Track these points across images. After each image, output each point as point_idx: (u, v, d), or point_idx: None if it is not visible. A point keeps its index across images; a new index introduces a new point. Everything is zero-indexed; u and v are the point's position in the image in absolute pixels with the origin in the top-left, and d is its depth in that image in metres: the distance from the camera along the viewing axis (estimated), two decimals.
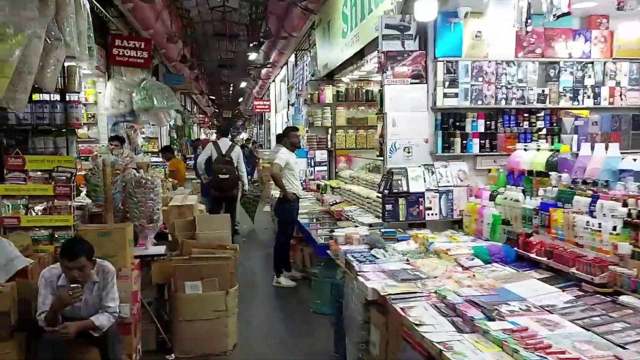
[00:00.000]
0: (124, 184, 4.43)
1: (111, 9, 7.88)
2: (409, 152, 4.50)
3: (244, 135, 36.72)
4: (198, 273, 4.40)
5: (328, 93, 8.61)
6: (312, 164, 9.41)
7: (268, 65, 13.48)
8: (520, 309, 2.64)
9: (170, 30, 9.96)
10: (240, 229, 10.44)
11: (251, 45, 12.03)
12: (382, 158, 4.71)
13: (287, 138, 6.59)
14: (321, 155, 9.33)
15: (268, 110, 19.40)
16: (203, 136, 30.52)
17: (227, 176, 8.13)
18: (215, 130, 9.58)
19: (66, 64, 4.40)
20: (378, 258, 3.73)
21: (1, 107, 3.90)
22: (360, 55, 6.79)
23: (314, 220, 6.99)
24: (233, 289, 4.55)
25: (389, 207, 4.39)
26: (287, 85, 14.47)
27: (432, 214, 4.42)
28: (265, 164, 16.01)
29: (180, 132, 17.42)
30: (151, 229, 4.41)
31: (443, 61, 4.41)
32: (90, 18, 4.71)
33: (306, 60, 10.47)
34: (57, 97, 4.51)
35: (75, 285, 3.26)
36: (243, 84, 22.85)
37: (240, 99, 31.67)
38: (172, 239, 4.94)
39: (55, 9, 3.91)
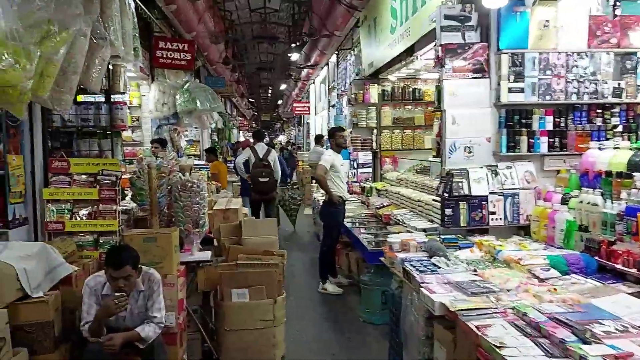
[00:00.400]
0: (169, 187, 4.27)
1: (154, 11, 7.83)
2: (470, 152, 4.18)
3: (282, 138, 36.75)
4: (245, 280, 4.19)
5: (373, 92, 8.31)
6: (355, 165, 9.13)
7: (309, 66, 13.27)
8: (616, 329, 2.31)
9: (213, 31, 9.89)
10: (282, 232, 10.26)
11: (293, 45, 11.85)
12: (439, 159, 4.39)
13: (333, 139, 6.34)
14: (364, 156, 9.04)
15: (307, 112, 19.24)
16: (242, 139, 30.72)
17: (267, 179, 8.33)
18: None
19: (111, 64, 4.27)
20: (440, 267, 3.43)
21: (46, 108, 3.80)
22: (409, 51, 6.48)
23: (360, 224, 6.72)
24: (281, 297, 4.32)
25: (448, 211, 4.07)
26: (328, 86, 14.25)
27: (497, 219, 4.08)
28: (305, 166, 15.89)
29: (221, 134, 17.45)
30: (197, 234, 4.23)
31: (508, 53, 4.08)
32: (135, 18, 4.59)
33: (349, 59, 10.22)
34: (102, 98, 4.39)
35: (120, 294, 3.09)
36: (282, 86, 22.78)
37: (279, 102, 31.70)
38: (217, 244, 4.75)
39: (100, 7, 3.78)
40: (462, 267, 3.40)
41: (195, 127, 10.08)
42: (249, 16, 13.61)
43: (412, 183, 6.78)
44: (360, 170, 9.14)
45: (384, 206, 6.87)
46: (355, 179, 8.96)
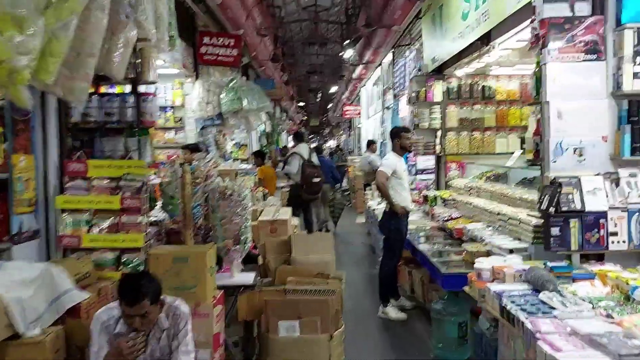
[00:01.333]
0: (205, 194, 3.58)
1: (200, 5, 7.26)
2: (581, 155, 3.28)
3: (331, 143, 36.10)
4: (295, 310, 3.43)
5: (437, 90, 7.43)
6: (414, 171, 8.25)
7: (362, 64, 12.46)
8: None
9: (261, 27, 9.28)
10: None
11: (345, 43, 11.09)
12: (538, 164, 3.51)
13: (398, 140, 5.51)
14: (425, 161, 8.15)
15: (358, 115, 18.44)
16: (292, 144, 30.27)
17: (319, 179, 8.55)
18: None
19: (139, 48, 3.63)
20: (554, 308, 2.55)
21: (64, 100, 3.18)
22: (484, 40, 5.59)
23: (426, 239, 5.86)
24: (339, 331, 3.53)
25: (555, 230, 3.18)
26: (383, 87, 13.41)
27: (619, 242, 3.16)
28: (357, 172, 15.09)
29: (270, 138, 16.91)
30: (238, 251, 3.52)
31: (633, 28, 3.16)
32: (173, 3, 3.95)
33: (408, 56, 9.36)
34: (128, 88, 3.77)
35: (136, 334, 2.39)
36: (333, 89, 22.09)
37: (329, 105, 31.04)
38: (262, 262, 4.02)
39: None
40: (587, 309, 2.51)
41: (243, 129, 9.46)
42: (298, 14, 13.02)
43: (485, 192, 5.86)
44: (420, 176, 8.24)
45: (452, 218, 5.98)
46: (413, 186, 8.07)
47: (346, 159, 18.91)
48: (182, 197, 3.52)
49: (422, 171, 8.25)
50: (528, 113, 7.72)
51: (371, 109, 17.21)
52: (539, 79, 3.44)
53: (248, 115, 7.57)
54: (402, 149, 5.54)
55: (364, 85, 17.69)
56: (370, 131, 17.07)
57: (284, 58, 14.30)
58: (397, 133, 5.59)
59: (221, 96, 7.10)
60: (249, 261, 3.99)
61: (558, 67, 3.30)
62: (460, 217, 5.99)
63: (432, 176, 8.17)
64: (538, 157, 3.51)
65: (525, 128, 7.45)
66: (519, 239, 4.46)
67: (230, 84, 7.08)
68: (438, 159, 7.71)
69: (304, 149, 8.77)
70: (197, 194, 3.54)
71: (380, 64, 13.42)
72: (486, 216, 5.30)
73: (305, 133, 9.37)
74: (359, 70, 14.84)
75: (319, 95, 30.55)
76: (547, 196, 3.23)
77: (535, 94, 3.51)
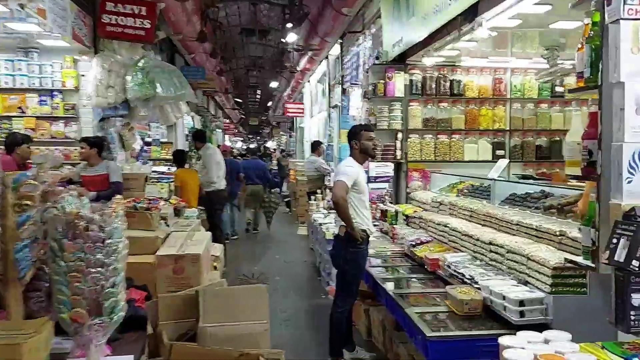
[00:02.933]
0: (42, 223, 2.05)
1: None
2: None
3: (271, 144, 34.57)
4: None
5: (398, 83, 6.15)
6: (366, 180, 6.93)
7: (308, 50, 11.06)
8: None
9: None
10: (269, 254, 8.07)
11: (288, 25, 9.67)
12: (594, 184, 2.24)
13: (356, 141, 4.15)
14: (379, 167, 6.87)
15: (301, 114, 17.04)
16: (229, 143, 28.42)
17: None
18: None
19: None
20: None
21: None
22: (469, 16, 4.35)
23: (387, 268, 4.55)
24: None
25: (637, 298, 1.90)
26: (330, 82, 12.10)
27: None
28: (299, 177, 13.69)
29: None
30: (100, 327, 2.00)
31: None
32: None
33: (362, 43, 8.04)
34: None
35: None
36: (273, 84, 20.58)
37: (269, 103, 29.45)
38: (152, 332, 2.51)
39: None
40: None
41: (158, 123, 7.86)
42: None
43: (463, 210, 4.63)
44: (372, 185, 6.93)
45: (422, 243, 4.71)
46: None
47: (287, 162, 17.51)
48: (1, 229, 1.99)
49: (375, 179, 6.95)
50: (501, 114, 6.64)
51: (315, 108, 15.89)
52: (597, 49, 2.17)
53: (163, 104, 6.00)
54: (362, 154, 4.19)
55: (308, 81, 16.34)
56: (314, 132, 15.73)
57: (217, 45, 12.67)
58: (355, 133, 4.21)
59: (127, 78, 5.50)
60: (130, 328, 2.47)
61: (633, 27, 2.04)
62: (430, 241, 4.73)
63: (386, 185, 6.92)
64: (592, 172, 2.23)
65: (498, 132, 6.36)
66: (526, 283, 3.22)
67: (140, 64, 5.51)
68: (398, 166, 6.43)
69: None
70: (25, 225, 2.01)
71: (327, 57, 12.10)
72: (470, 244, 4.04)
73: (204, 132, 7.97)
74: (303, 62, 13.45)
75: (259, 92, 28.96)
76: (623, 240, 1.94)
77: (588, 74, 2.24)
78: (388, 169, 6.69)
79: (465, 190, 5.27)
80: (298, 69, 13.97)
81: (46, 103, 5.76)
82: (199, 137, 7.96)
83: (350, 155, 4.24)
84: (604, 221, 2.18)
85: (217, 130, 18.96)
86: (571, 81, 5.43)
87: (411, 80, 6.17)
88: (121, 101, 5.52)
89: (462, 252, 4.12)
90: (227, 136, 30.07)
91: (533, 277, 3.14)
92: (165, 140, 9.81)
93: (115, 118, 5.76)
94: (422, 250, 4.52)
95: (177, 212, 5.07)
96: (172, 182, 5.68)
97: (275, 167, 19.13)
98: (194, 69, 12.27)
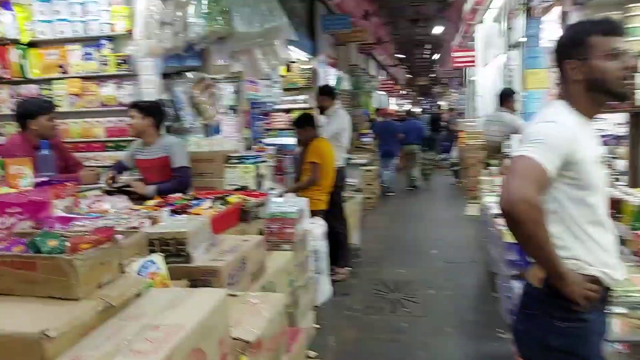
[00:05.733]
0: None
1: None
2: None
3: (443, 104, 31.42)
4: None
5: None
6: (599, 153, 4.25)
7: None
8: None
9: None
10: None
11: None
12: None
13: (579, 59, 1.68)
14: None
15: (472, 63, 14.05)
16: (395, 107, 26.17)
17: None
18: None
19: None
20: None
21: None
22: None
23: None
24: None
25: None
26: (506, 15, 9.19)
27: None
28: (470, 140, 11.02)
29: (354, 99, 13.27)
30: None
31: None
32: None
33: None
34: None
35: None
36: (438, 29, 17.75)
37: (435, 56, 26.33)
38: None
39: None
40: None
41: (268, 80, 6.03)
42: None
43: None
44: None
45: None
46: None
47: (456, 124, 14.81)
48: None
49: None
50: None
51: (489, 53, 12.83)
52: None
53: (252, 48, 4.10)
54: (592, 93, 1.73)
55: (480, 21, 13.29)
56: (487, 86, 12.73)
57: None
58: (574, 42, 1.69)
59: (188, 9, 3.69)
60: None
61: None
62: None
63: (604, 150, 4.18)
64: None
65: None
66: None
67: None
68: (636, 119, 3.68)
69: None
70: None
71: None
72: None
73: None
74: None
75: (426, 48, 26.00)
76: None
77: None
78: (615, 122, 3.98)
79: None
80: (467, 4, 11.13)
81: (91, 57, 4.27)
82: (327, 92, 5.94)
83: (560, 99, 1.81)
84: None
85: (374, 92, 16.86)
86: None
87: None
88: (184, 45, 3.77)
89: None
90: (391, 99, 27.86)
91: None
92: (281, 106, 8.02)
93: (179, 72, 4.06)
94: None
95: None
96: (260, 162, 3.78)
97: (445, 129, 16.69)
98: (337, 18, 10.33)
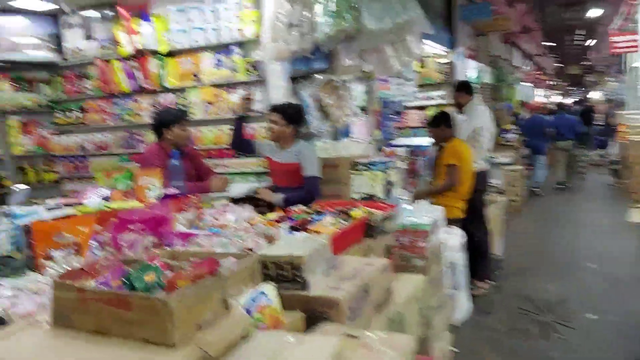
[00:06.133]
0: None
1: None
2: None
3: (594, 95, 28.37)
4: None
5: None
6: None
7: None
8: None
9: None
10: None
11: None
12: None
13: None
14: None
15: (635, 48, 12.30)
16: (543, 99, 24.14)
17: None
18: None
19: None
20: None
21: None
22: None
23: None
24: None
25: None
26: None
27: None
28: (634, 136, 9.66)
29: (496, 92, 12.32)
30: None
31: None
32: None
33: None
34: None
35: None
36: (594, 12, 15.92)
37: (589, 42, 23.72)
38: None
39: None
40: None
41: (399, 78, 5.67)
42: None
43: None
44: None
45: None
46: None
47: (615, 116, 13.16)
48: None
49: None
50: None
51: None
52: None
53: (382, 46, 3.82)
54: None
55: None
56: None
57: None
58: None
59: (315, 9, 3.53)
60: None
61: None
62: None
63: None
64: None
65: None
66: None
67: None
68: None
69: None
70: None
71: None
72: None
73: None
74: None
75: (579, 33, 23.53)
76: None
77: None
78: None
79: None
80: None
81: (222, 64, 4.28)
82: (463, 88, 5.43)
83: None
84: None
85: (518, 83, 15.57)
86: None
87: None
88: (311, 47, 3.60)
89: None
90: (538, 90, 25.73)
91: None
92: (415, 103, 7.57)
93: (306, 75, 3.90)
94: None
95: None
96: (389, 168, 3.49)
97: (602, 123, 15.02)
98: (478, 6, 9.61)
